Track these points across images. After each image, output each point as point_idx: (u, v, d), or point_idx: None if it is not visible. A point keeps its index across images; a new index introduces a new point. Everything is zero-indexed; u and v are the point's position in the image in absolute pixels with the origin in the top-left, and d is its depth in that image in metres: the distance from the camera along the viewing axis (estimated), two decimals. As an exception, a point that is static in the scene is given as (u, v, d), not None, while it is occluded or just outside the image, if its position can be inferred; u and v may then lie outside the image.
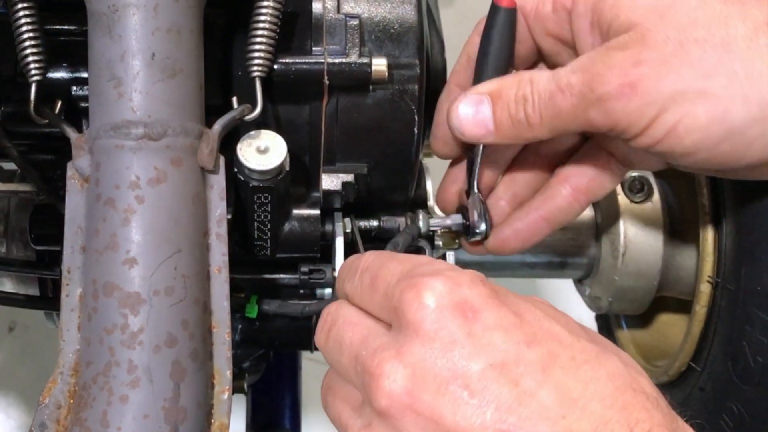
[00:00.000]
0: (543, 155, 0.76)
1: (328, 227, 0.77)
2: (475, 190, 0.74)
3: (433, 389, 0.51)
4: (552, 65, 0.71)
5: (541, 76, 0.65)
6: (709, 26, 0.60)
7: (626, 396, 0.50)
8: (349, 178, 0.74)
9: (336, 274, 0.75)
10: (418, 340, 0.52)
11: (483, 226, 0.74)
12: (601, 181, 0.74)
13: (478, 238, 0.75)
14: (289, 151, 0.67)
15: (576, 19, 0.66)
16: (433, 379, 0.51)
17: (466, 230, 0.75)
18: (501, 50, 0.69)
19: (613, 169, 0.74)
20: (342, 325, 0.58)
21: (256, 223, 0.72)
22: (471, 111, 0.67)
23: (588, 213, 0.90)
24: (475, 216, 0.74)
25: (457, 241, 0.79)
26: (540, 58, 0.73)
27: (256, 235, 0.73)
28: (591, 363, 0.52)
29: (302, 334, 0.85)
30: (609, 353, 0.53)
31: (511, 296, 0.55)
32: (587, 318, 1.05)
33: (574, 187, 0.74)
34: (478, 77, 0.70)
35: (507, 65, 0.70)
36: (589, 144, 0.74)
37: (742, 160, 0.61)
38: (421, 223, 0.76)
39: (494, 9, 0.70)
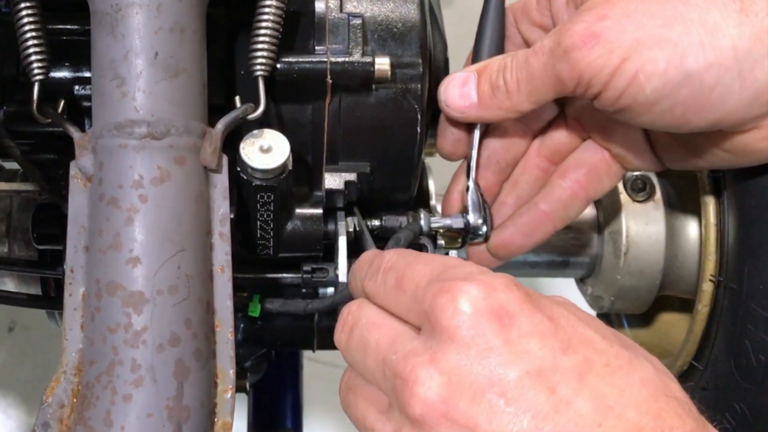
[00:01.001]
0: (542, 157, 0.76)
1: (331, 226, 0.77)
2: (473, 188, 0.74)
3: (469, 397, 0.50)
4: None
5: (523, 50, 0.67)
6: None
7: (660, 402, 0.50)
8: (352, 177, 0.74)
9: (338, 272, 0.75)
10: (453, 347, 0.51)
11: (484, 228, 0.74)
12: (599, 177, 0.74)
13: (479, 239, 0.76)
14: (292, 150, 0.67)
15: (554, 4, 0.69)
16: (469, 387, 0.50)
17: (467, 231, 0.75)
18: (492, 38, 0.72)
19: (610, 165, 0.74)
20: (366, 325, 0.57)
21: (258, 222, 0.72)
22: (458, 84, 0.69)
23: (590, 212, 0.90)
24: (476, 217, 0.74)
25: (459, 240, 0.79)
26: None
27: (258, 234, 0.73)
28: (625, 369, 0.51)
29: (304, 333, 0.85)
30: (641, 359, 0.53)
31: (543, 299, 0.54)
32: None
33: (574, 181, 0.74)
34: (473, 63, 0.72)
35: (498, 52, 0.72)
36: (586, 143, 0.75)
37: (704, 111, 0.62)
38: (422, 222, 0.76)
39: (486, 1, 0.73)
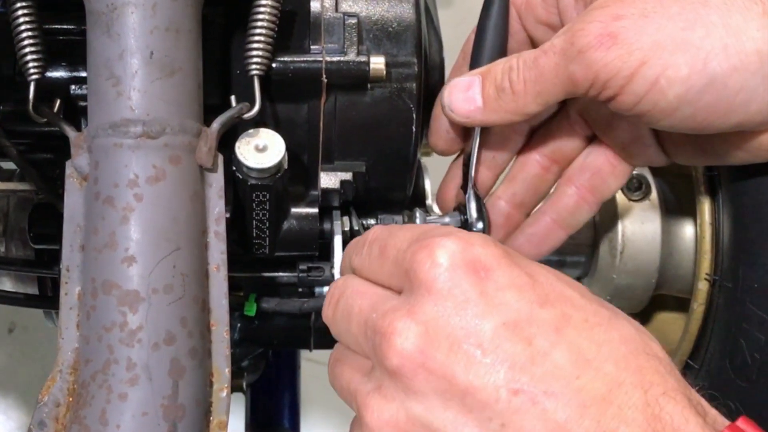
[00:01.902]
0: (542, 154, 0.76)
1: (327, 225, 0.77)
2: (471, 185, 0.74)
3: (446, 347, 0.50)
4: None
5: (529, 50, 0.66)
6: None
7: (639, 359, 0.50)
8: (348, 176, 0.74)
9: (334, 271, 0.76)
10: (430, 299, 0.52)
11: (480, 224, 0.74)
12: (604, 179, 0.74)
13: None
14: (288, 149, 0.67)
15: (561, 1, 0.68)
16: (446, 338, 0.51)
17: (464, 228, 0.75)
18: (495, 40, 0.71)
19: (614, 165, 0.74)
20: (350, 294, 0.57)
21: (254, 222, 0.72)
22: (462, 88, 0.68)
23: (586, 211, 0.90)
24: (472, 214, 0.74)
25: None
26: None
27: (254, 234, 0.73)
28: (604, 326, 0.51)
29: (301, 332, 0.85)
30: (621, 318, 0.53)
31: (523, 258, 0.55)
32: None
33: (579, 187, 0.74)
34: (473, 66, 0.71)
35: (500, 54, 0.71)
36: (591, 146, 0.75)
37: (726, 115, 0.61)
38: (418, 221, 0.76)
39: (488, 0, 0.71)
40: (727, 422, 0.51)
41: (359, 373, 0.56)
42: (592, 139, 0.75)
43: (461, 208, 0.75)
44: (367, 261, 0.58)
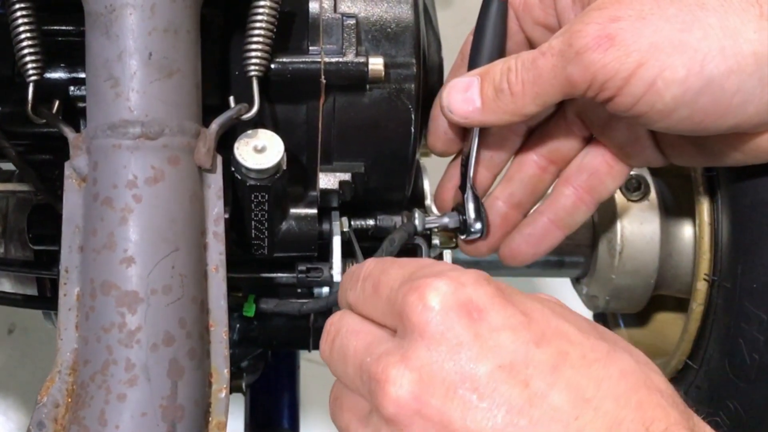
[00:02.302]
0: (539, 154, 0.76)
1: (326, 226, 0.77)
2: (469, 185, 0.74)
3: (441, 393, 0.49)
4: None
5: (528, 51, 0.66)
6: None
7: (640, 394, 0.49)
8: (346, 177, 0.75)
9: (333, 272, 0.76)
10: (423, 344, 0.51)
11: (479, 225, 0.74)
12: (602, 179, 0.74)
13: (474, 236, 0.76)
14: (286, 150, 0.67)
15: (559, 2, 0.67)
16: (441, 383, 0.50)
17: (462, 228, 0.75)
18: (493, 41, 0.70)
19: (612, 166, 0.74)
20: (345, 334, 0.57)
21: (253, 222, 0.72)
22: (461, 89, 0.68)
23: (585, 211, 0.90)
24: (471, 214, 0.74)
25: (454, 240, 0.79)
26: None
27: (253, 234, 0.74)
28: (602, 361, 0.50)
29: (300, 333, 0.85)
30: (620, 351, 0.52)
31: (518, 294, 0.54)
32: (585, 315, 1.05)
33: (576, 187, 0.74)
34: (472, 67, 0.71)
35: (499, 56, 0.70)
36: (588, 146, 0.75)
37: (723, 117, 0.61)
38: (417, 222, 0.76)
39: (487, 1, 0.71)
40: None
41: (357, 416, 0.55)
42: (589, 140, 0.75)
43: (459, 209, 0.75)
44: (361, 298, 0.57)
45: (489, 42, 0.70)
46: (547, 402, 0.48)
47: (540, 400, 0.49)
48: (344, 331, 0.57)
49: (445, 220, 0.76)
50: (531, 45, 0.72)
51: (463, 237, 0.77)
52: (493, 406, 0.49)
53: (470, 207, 0.74)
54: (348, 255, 0.76)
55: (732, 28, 0.59)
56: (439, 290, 0.52)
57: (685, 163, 0.73)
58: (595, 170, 0.74)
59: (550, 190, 0.77)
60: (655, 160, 0.73)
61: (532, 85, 0.64)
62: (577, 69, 0.61)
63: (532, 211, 0.77)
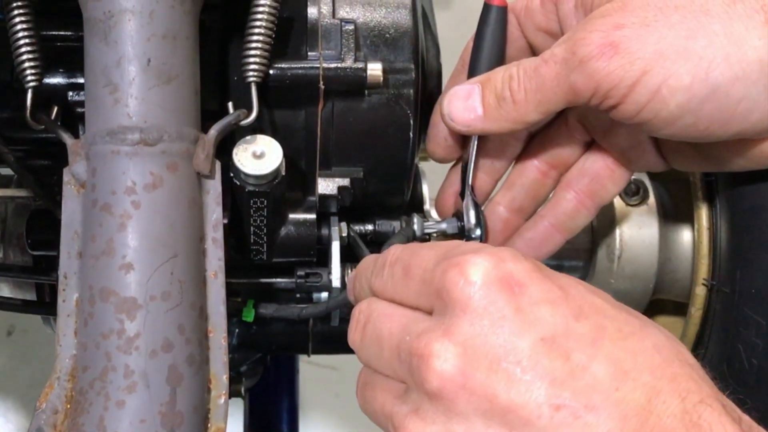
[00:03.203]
0: (541, 159, 0.76)
1: (325, 231, 0.77)
2: (469, 191, 0.74)
3: (486, 367, 0.50)
4: None
5: (529, 58, 0.66)
6: None
7: (674, 367, 0.50)
8: (345, 182, 0.75)
9: (332, 277, 0.76)
10: (466, 318, 0.51)
11: (478, 231, 0.74)
12: (603, 184, 0.74)
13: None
14: (285, 155, 0.68)
15: (561, 5, 0.67)
16: (485, 357, 0.50)
17: (461, 234, 0.75)
18: (493, 48, 0.70)
19: (613, 170, 0.74)
20: (378, 318, 0.57)
21: (252, 228, 0.72)
22: (462, 97, 0.68)
23: (584, 216, 0.90)
24: (470, 220, 0.74)
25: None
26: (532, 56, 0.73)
27: (252, 240, 0.74)
28: (637, 335, 0.51)
29: (299, 338, 0.85)
30: (650, 326, 0.53)
31: (552, 271, 0.54)
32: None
33: (578, 191, 0.74)
34: (472, 74, 0.71)
35: (499, 62, 0.70)
36: (589, 151, 0.75)
37: (728, 124, 0.61)
38: (415, 227, 0.76)
39: (486, 8, 0.71)
40: (762, 429, 0.51)
41: (393, 395, 0.55)
42: (590, 145, 0.75)
43: (459, 215, 0.75)
44: (390, 283, 0.57)
45: (489, 48, 0.70)
46: (589, 374, 0.49)
47: (581, 372, 0.49)
48: (376, 315, 0.57)
49: (444, 225, 0.76)
50: (533, 51, 0.72)
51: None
52: (536, 378, 0.49)
53: (470, 213, 0.74)
54: (347, 260, 0.76)
55: (737, 35, 0.59)
56: (480, 265, 0.52)
57: (688, 168, 0.73)
58: (597, 175, 0.74)
59: (551, 195, 0.77)
60: (657, 165, 0.73)
61: (534, 93, 0.64)
62: (581, 77, 0.61)
63: (533, 215, 0.78)
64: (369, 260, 0.62)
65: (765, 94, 0.59)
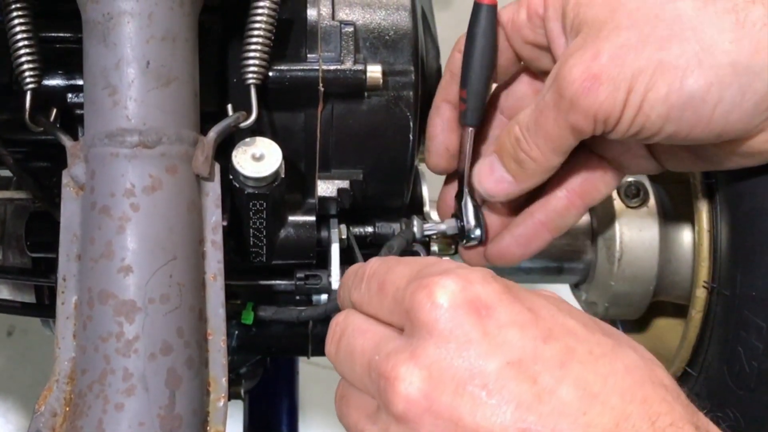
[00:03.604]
0: None
1: (324, 233, 0.77)
2: (467, 192, 0.74)
3: (451, 390, 0.50)
4: (535, 70, 0.73)
5: (524, 112, 0.67)
6: (659, 3, 0.61)
7: (645, 389, 0.50)
8: (345, 184, 0.74)
9: (331, 279, 0.76)
10: (432, 341, 0.51)
11: (478, 231, 0.74)
12: (595, 184, 0.74)
13: (473, 243, 0.76)
14: (285, 157, 0.67)
15: (548, 24, 0.67)
16: (451, 380, 0.50)
17: (461, 235, 0.75)
18: (485, 48, 0.70)
19: (606, 171, 0.74)
20: (352, 333, 0.57)
21: (251, 230, 0.72)
22: (487, 172, 0.70)
23: (584, 218, 0.90)
24: (470, 220, 0.74)
25: (453, 246, 0.79)
26: (521, 67, 0.73)
27: (251, 242, 0.73)
28: (608, 356, 0.51)
29: (299, 340, 0.85)
30: (624, 346, 0.53)
31: (524, 291, 0.54)
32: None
33: (569, 190, 0.74)
34: (465, 77, 0.71)
35: (492, 63, 0.70)
36: (582, 151, 0.75)
37: (708, 128, 0.61)
38: (415, 229, 0.76)
39: (476, 7, 0.70)
40: None
41: (365, 413, 0.55)
42: (582, 147, 0.75)
43: (459, 216, 0.75)
44: (366, 297, 0.58)
45: (480, 52, 0.70)
46: (556, 397, 0.49)
47: (548, 395, 0.49)
48: (350, 330, 0.57)
49: (443, 226, 0.76)
50: (521, 60, 0.72)
51: (462, 243, 0.77)
52: (502, 402, 0.49)
53: (469, 213, 0.74)
54: (347, 262, 0.76)
55: (708, 41, 0.60)
56: (447, 288, 0.52)
57: (683, 169, 0.73)
58: (589, 176, 0.74)
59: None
60: (650, 168, 0.74)
61: (545, 144, 0.66)
62: (578, 116, 0.62)
63: (523, 212, 0.77)
64: (352, 270, 0.62)
65: (740, 95, 0.60)
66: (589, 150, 0.74)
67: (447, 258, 0.79)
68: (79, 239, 0.61)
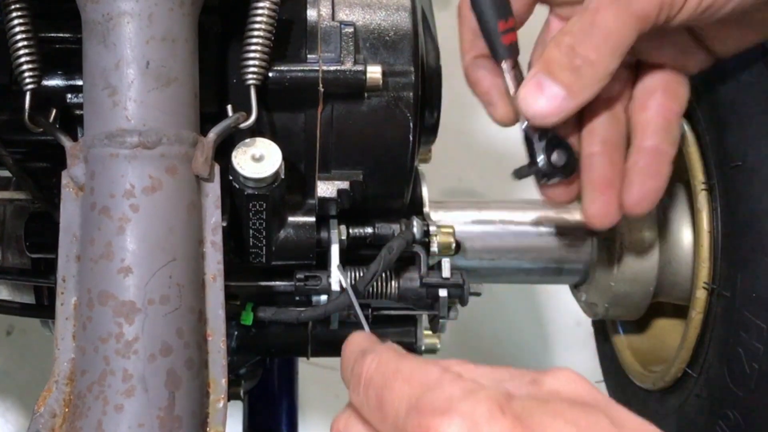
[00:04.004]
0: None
1: (324, 234, 0.77)
2: (529, 126, 0.69)
3: None
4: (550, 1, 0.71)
5: (572, 21, 0.65)
6: None
7: None
8: (345, 185, 0.74)
9: (331, 280, 0.75)
10: None
11: (563, 160, 0.69)
12: (675, 88, 0.73)
13: (556, 179, 0.70)
14: (284, 158, 0.67)
15: None
16: None
17: (546, 173, 0.69)
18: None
19: (675, 77, 0.73)
20: None
21: (251, 231, 0.72)
22: (535, 92, 0.66)
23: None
24: (557, 154, 0.69)
25: (452, 247, 0.79)
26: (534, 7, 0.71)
27: (251, 243, 0.73)
28: None
29: (298, 340, 0.85)
30: None
31: (538, 412, 0.46)
32: (584, 321, 1.05)
33: (658, 105, 0.72)
34: (484, 22, 0.68)
35: (507, 3, 0.68)
36: (642, 72, 0.73)
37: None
38: (415, 230, 0.76)
39: None
40: None
41: None
42: (636, 67, 0.74)
43: (531, 156, 0.69)
44: (366, 408, 0.52)
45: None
46: None
47: None
48: None
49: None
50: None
51: (542, 182, 0.71)
52: None
53: (539, 149, 0.69)
54: (346, 263, 0.76)
55: None
56: None
57: (735, 50, 0.72)
58: (664, 83, 0.73)
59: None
60: (704, 62, 0.73)
61: (605, 44, 0.64)
62: (643, 2, 0.62)
63: (631, 152, 0.73)
64: (351, 349, 0.56)
65: None
66: (647, 69, 0.73)
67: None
68: (78, 240, 0.61)
